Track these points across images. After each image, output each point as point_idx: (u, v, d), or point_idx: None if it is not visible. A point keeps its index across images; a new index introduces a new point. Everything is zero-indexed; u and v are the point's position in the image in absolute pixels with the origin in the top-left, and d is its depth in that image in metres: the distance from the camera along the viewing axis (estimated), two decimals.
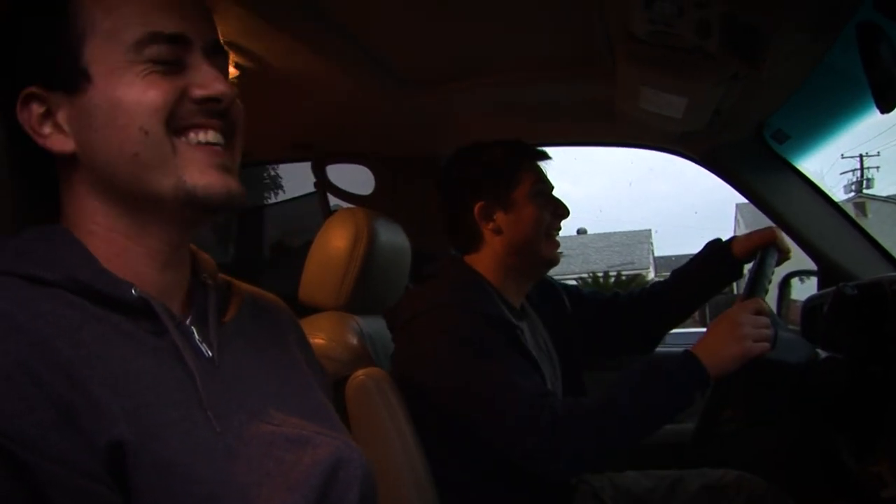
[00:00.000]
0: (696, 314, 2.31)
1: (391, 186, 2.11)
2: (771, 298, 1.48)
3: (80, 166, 0.67)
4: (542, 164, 1.50)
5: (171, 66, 0.66)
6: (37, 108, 0.66)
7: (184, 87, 0.66)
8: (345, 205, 2.15)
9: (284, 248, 3.26)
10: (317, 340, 1.30)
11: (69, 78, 0.65)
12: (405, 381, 1.30)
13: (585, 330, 1.59)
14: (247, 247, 3.15)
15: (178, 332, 0.66)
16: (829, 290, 1.57)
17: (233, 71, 1.41)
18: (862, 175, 28.64)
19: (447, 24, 1.40)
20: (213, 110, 0.68)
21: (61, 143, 0.66)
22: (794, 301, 2.02)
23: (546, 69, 1.61)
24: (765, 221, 1.66)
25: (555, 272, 1.62)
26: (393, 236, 1.56)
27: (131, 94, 0.64)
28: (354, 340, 1.44)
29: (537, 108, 1.84)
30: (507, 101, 1.80)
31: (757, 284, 1.32)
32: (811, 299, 1.75)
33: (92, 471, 0.55)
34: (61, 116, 0.66)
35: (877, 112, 1.16)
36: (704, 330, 1.30)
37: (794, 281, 2.02)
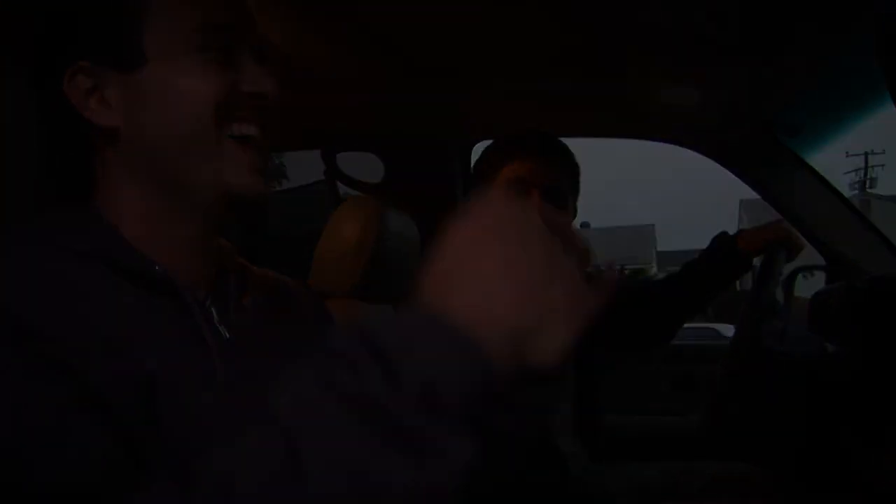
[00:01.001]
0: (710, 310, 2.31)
1: (401, 175, 2.11)
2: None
3: (121, 144, 0.68)
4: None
5: (226, 58, 0.67)
6: (83, 82, 0.66)
7: (235, 80, 0.68)
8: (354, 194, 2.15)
9: (287, 238, 3.26)
10: None
11: (125, 56, 0.66)
12: None
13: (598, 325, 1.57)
14: (249, 234, 3.15)
15: (198, 311, 0.67)
16: (838, 284, 1.57)
17: None
18: (866, 174, 28.57)
19: (460, 12, 1.40)
20: (259, 106, 0.69)
21: (107, 117, 0.67)
22: (799, 297, 2.02)
23: (559, 59, 1.60)
24: (766, 218, 1.66)
25: None
26: (403, 225, 1.57)
27: (187, 80, 0.65)
28: None
29: (549, 98, 1.84)
30: (518, 91, 1.79)
31: (766, 280, 1.32)
32: (819, 293, 1.75)
33: (131, 392, 0.56)
34: (110, 93, 0.66)
35: (888, 107, 1.16)
36: (713, 326, 1.30)
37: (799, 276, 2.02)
